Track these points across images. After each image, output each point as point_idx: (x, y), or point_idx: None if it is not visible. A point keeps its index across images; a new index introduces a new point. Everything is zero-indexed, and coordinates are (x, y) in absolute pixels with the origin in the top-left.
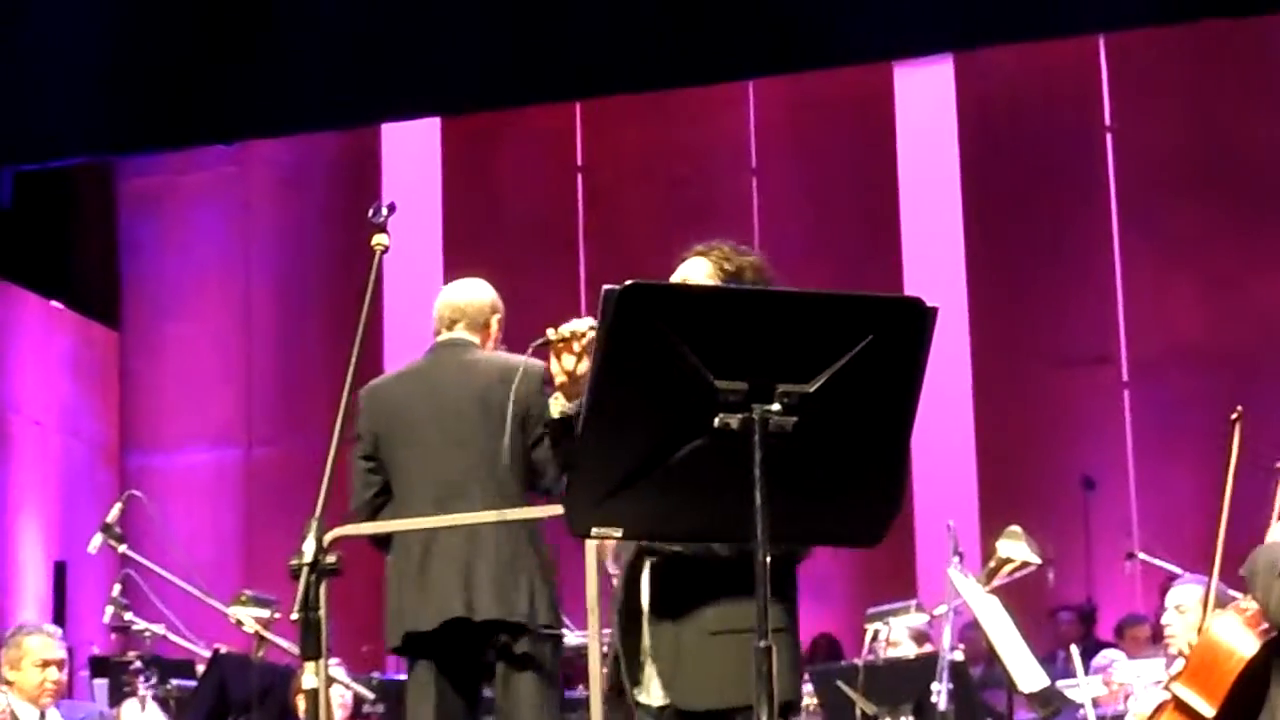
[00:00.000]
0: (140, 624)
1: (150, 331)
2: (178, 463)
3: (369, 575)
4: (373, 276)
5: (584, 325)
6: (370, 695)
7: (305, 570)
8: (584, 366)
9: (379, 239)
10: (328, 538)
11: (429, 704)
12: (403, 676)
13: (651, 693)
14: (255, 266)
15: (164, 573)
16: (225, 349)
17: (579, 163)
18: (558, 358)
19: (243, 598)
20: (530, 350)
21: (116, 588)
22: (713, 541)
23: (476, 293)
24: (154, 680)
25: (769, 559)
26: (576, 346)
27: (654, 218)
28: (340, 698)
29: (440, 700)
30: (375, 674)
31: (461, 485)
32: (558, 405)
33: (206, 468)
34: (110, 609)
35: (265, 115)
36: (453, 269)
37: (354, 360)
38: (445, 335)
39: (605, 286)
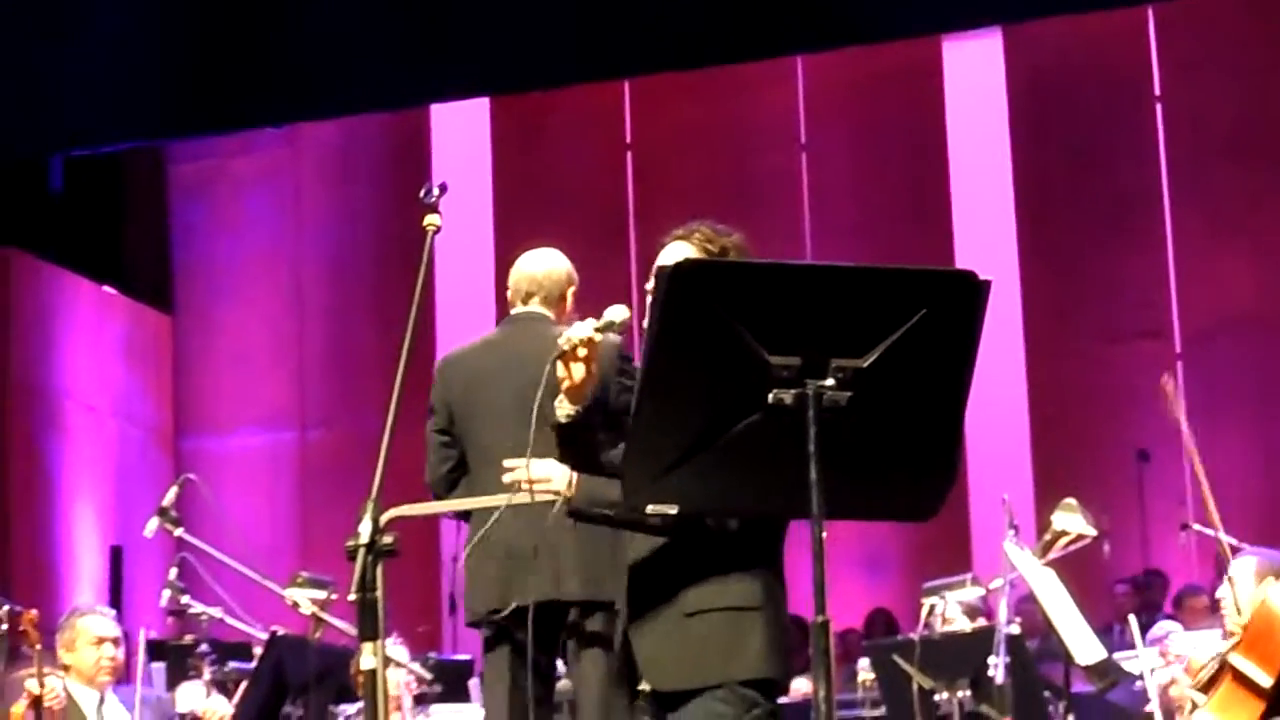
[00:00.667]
0: (197, 607)
1: (203, 315)
2: (232, 445)
3: (424, 556)
4: (425, 257)
5: (587, 331)
6: (428, 675)
7: (362, 551)
8: (592, 371)
9: (430, 219)
10: (384, 518)
11: (505, 681)
12: (459, 656)
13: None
14: (306, 248)
15: (220, 555)
16: (278, 331)
17: (628, 140)
18: (565, 365)
19: (299, 579)
20: (550, 363)
21: (173, 571)
22: (768, 516)
23: (553, 264)
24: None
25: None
26: (582, 352)
27: (704, 194)
28: (403, 679)
29: (514, 679)
30: (432, 654)
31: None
32: (563, 410)
33: (260, 450)
34: (167, 593)
35: (315, 98)
36: (503, 248)
37: (408, 341)
38: (521, 308)
39: (658, 264)
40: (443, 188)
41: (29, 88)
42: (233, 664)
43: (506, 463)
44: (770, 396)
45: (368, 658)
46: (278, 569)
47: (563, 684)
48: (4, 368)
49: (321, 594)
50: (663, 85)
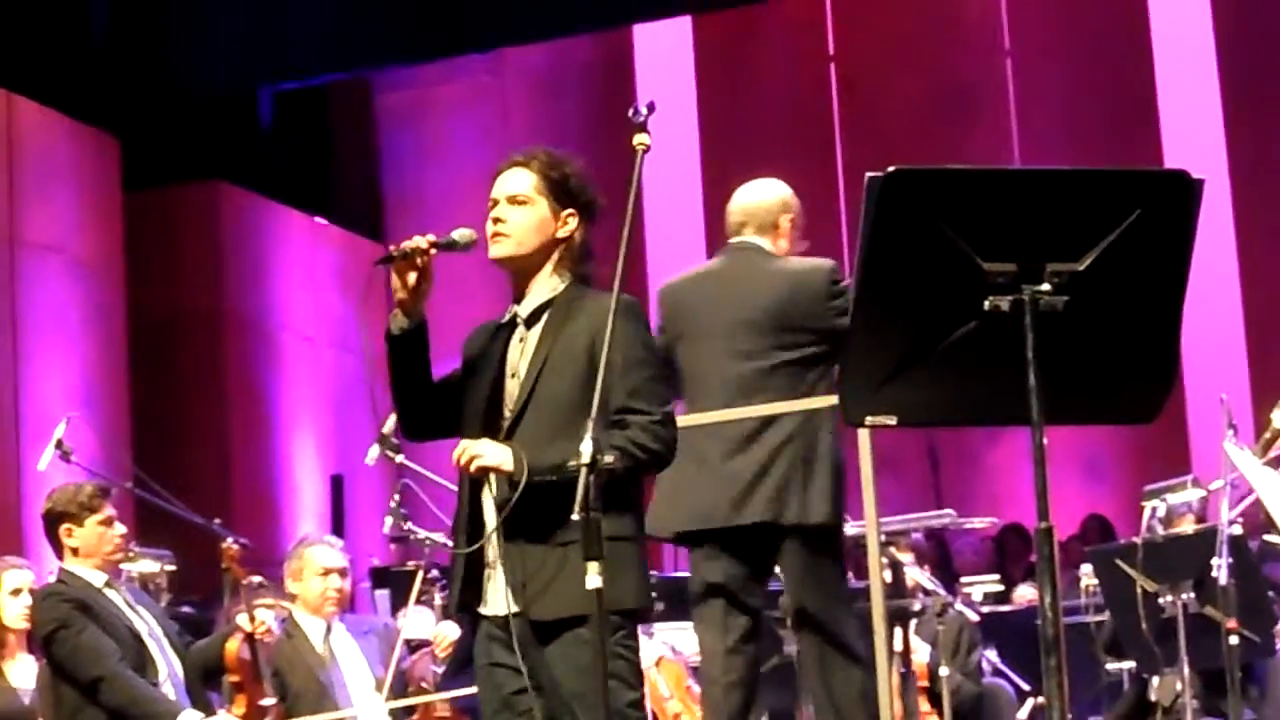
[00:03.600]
0: (420, 533)
1: None
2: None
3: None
4: (635, 176)
5: (425, 242)
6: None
7: (583, 470)
8: (425, 284)
9: (640, 139)
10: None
11: (717, 597)
12: (680, 574)
13: (492, 604)
14: None
15: (442, 480)
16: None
17: (830, 53)
18: (400, 275)
19: None
20: (373, 266)
21: (395, 498)
22: (989, 425)
23: (763, 193)
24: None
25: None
26: (420, 261)
27: (908, 104)
28: None
29: (728, 593)
30: (653, 573)
31: (751, 388)
32: (396, 322)
33: None
34: (389, 519)
35: (518, 22)
36: (710, 167)
37: (620, 263)
38: (735, 239)
39: (868, 174)
40: (651, 107)
41: (237, 23)
42: None
43: (461, 445)
44: (986, 303)
45: (592, 577)
46: None
47: (785, 599)
48: (219, 301)
49: None
50: None
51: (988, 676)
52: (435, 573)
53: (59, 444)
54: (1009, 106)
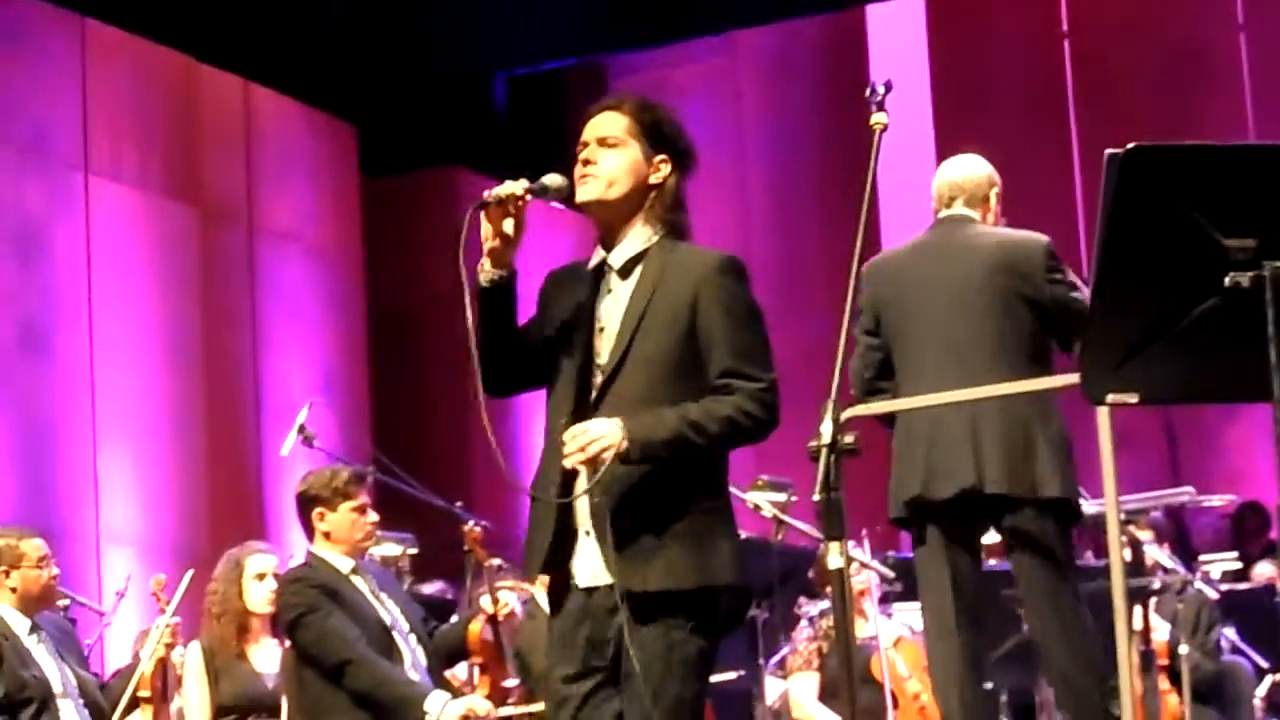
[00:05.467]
0: None
1: None
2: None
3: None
4: (874, 155)
5: (519, 188)
6: (890, 574)
7: (824, 451)
8: (518, 231)
9: (877, 117)
10: (843, 417)
11: (942, 574)
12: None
13: (580, 574)
14: (749, 155)
15: None
16: (724, 239)
17: (1064, 28)
18: (493, 222)
19: (759, 482)
20: (469, 213)
21: None
22: (1229, 402)
23: (973, 168)
24: None
25: None
26: (514, 208)
27: (1143, 78)
28: (864, 580)
29: (954, 570)
30: (891, 553)
31: (968, 358)
32: (485, 274)
33: None
34: None
35: (750, 4)
36: (944, 144)
37: (859, 241)
38: (945, 212)
39: (1108, 151)
40: (888, 85)
41: (471, 9)
42: None
43: (567, 435)
44: (1226, 280)
45: (834, 557)
46: (731, 474)
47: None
48: (458, 285)
49: (781, 496)
50: None
51: (1226, 654)
52: None
53: (301, 429)
54: (1243, 79)
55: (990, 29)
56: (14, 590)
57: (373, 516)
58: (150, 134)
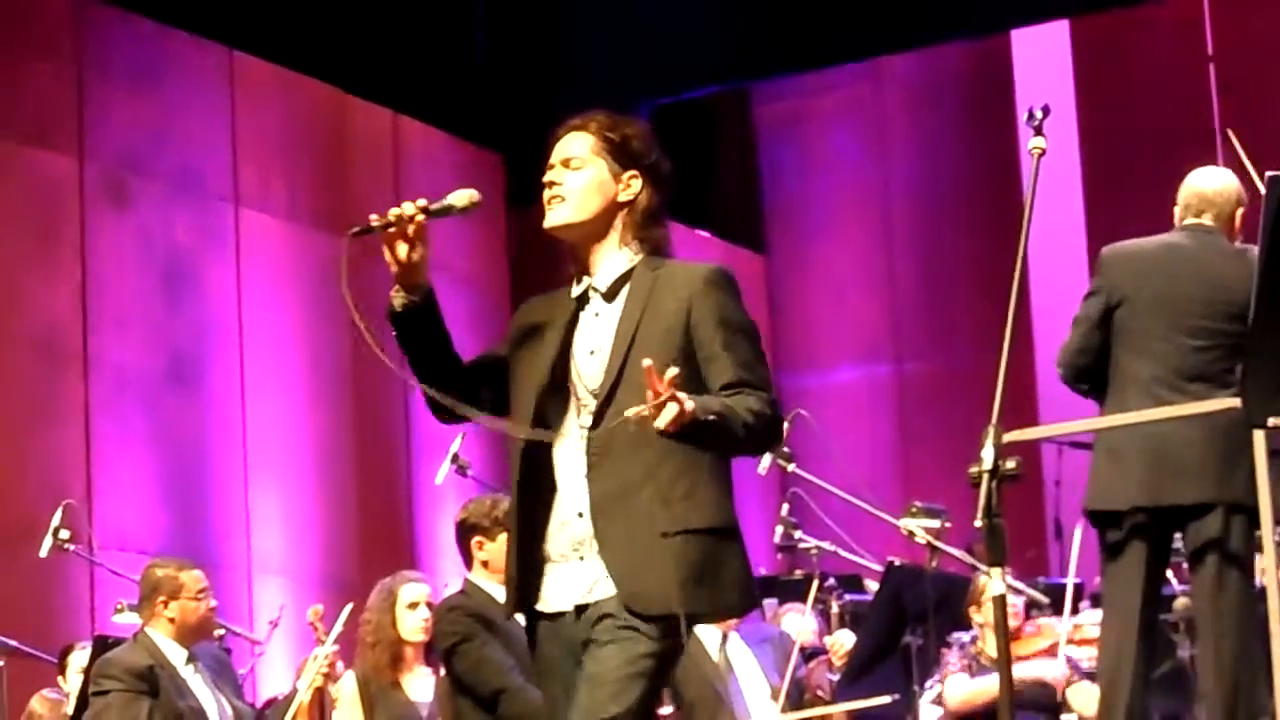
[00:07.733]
0: (809, 541)
1: (795, 253)
2: (830, 380)
3: (1026, 480)
4: (1033, 181)
5: (411, 209)
6: (1044, 600)
7: (986, 477)
8: (418, 254)
9: (1035, 142)
10: (1004, 441)
11: (1136, 580)
12: (1061, 580)
13: (549, 601)
14: (893, 182)
15: (833, 489)
16: (869, 266)
17: (1209, 52)
18: (389, 247)
19: (913, 509)
20: (349, 238)
21: (785, 507)
22: None
23: (1225, 182)
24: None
25: None
26: (411, 230)
27: None
28: (1012, 606)
29: (1149, 574)
30: (1040, 579)
31: (1184, 364)
32: (397, 299)
33: (858, 384)
34: (780, 528)
35: (896, 30)
36: (1090, 169)
37: (1017, 270)
38: (1191, 220)
39: (1269, 174)
40: (1046, 110)
41: (616, 39)
42: (846, 596)
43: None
44: None
45: (996, 583)
46: (881, 501)
47: (1181, 601)
48: None
49: (935, 523)
50: None
51: None
52: (831, 580)
53: (455, 458)
54: None
55: (1134, 54)
56: (172, 620)
57: None
58: (299, 166)
